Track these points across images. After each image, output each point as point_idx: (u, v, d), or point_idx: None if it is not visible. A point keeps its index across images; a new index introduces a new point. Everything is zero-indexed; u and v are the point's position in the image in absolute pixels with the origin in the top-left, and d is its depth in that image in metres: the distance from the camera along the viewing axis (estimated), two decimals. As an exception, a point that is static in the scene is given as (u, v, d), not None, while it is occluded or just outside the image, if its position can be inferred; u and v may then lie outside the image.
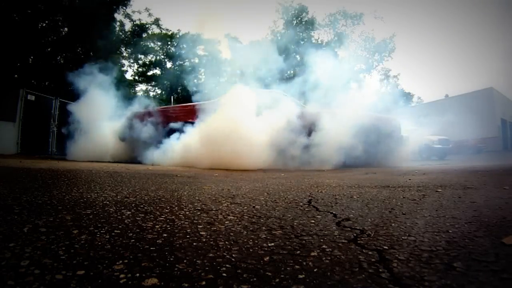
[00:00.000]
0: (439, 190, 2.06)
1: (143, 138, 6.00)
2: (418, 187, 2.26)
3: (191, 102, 6.28)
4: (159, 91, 22.84)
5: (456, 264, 0.72)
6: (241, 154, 4.48)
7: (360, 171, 4.36)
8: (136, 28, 21.73)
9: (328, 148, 5.02)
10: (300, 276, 0.67)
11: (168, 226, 1.06)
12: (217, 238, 0.94)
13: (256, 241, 0.92)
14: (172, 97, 7.94)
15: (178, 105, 6.48)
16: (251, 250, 0.84)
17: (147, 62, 24.07)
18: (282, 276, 0.67)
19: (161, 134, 5.77)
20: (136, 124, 6.29)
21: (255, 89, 5.47)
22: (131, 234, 0.94)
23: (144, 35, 22.71)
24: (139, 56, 23.59)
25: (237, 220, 1.18)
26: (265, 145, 4.74)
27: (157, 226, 1.04)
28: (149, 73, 24.26)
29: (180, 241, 0.89)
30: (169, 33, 23.76)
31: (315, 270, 0.70)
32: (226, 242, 0.90)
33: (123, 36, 19.31)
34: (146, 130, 6.08)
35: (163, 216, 1.20)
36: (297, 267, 0.72)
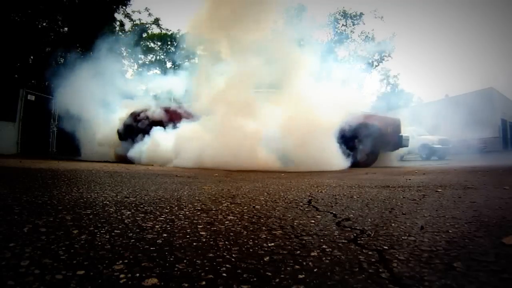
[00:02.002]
0: (439, 190, 2.06)
1: (142, 138, 5.99)
2: (418, 187, 2.27)
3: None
4: (159, 91, 22.84)
5: (456, 264, 0.72)
6: None
7: (360, 171, 4.36)
8: (136, 28, 21.73)
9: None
10: (300, 276, 0.67)
11: (168, 226, 1.06)
12: (217, 238, 0.94)
13: (256, 241, 0.92)
14: (172, 96, 7.91)
15: (180, 105, 6.48)
16: (251, 250, 0.84)
17: (147, 62, 24.06)
18: (282, 276, 0.67)
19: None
20: (135, 123, 6.28)
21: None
22: (131, 234, 0.94)
23: (144, 35, 22.72)
24: (139, 56, 23.58)
25: (237, 220, 1.18)
26: None
27: (157, 226, 1.04)
28: (149, 73, 24.27)
29: (180, 241, 0.89)
30: (169, 33, 23.76)
31: (315, 270, 0.70)
32: (226, 242, 0.90)
33: (123, 36, 19.31)
34: (146, 130, 6.07)
35: (163, 216, 1.20)
36: (297, 267, 0.72)
